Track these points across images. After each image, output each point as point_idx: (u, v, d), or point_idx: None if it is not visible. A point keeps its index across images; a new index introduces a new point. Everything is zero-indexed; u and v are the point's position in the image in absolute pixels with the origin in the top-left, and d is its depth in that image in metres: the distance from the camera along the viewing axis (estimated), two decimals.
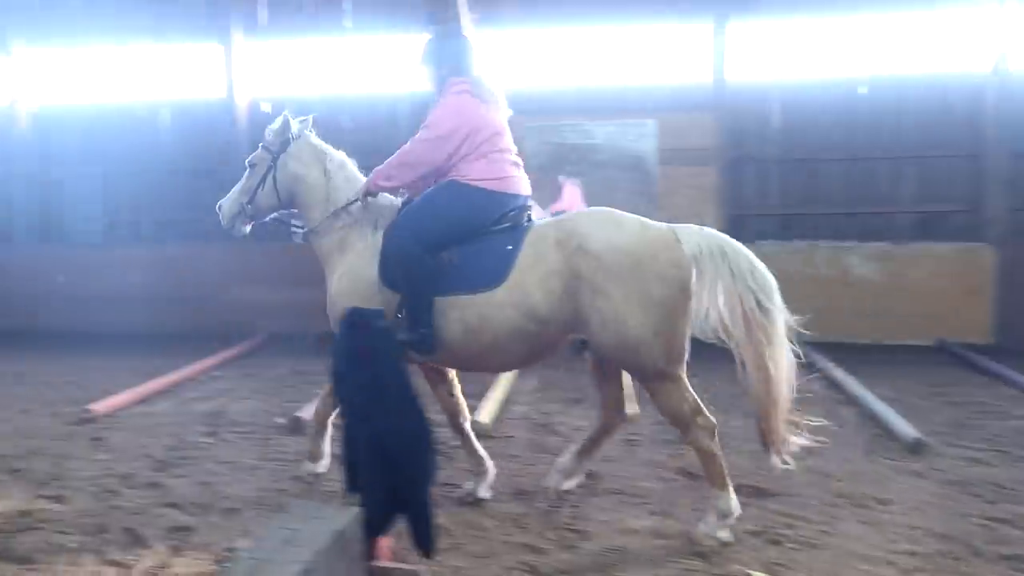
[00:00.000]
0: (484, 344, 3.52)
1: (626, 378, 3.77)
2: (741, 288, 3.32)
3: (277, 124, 4.11)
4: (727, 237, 3.45)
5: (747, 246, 3.47)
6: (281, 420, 5.44)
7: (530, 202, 3.87)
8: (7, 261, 9.56)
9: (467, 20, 8.50)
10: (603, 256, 3.35)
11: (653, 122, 8.28)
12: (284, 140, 4.11)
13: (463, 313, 3.51)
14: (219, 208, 4.26)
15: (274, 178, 4.10)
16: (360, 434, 2.86)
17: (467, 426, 4.06)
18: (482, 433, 4.99)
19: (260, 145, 4.21)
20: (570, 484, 3.92)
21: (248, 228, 4.30)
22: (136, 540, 3.51)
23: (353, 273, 3.84)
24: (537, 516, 3.73)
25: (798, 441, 3.43)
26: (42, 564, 3.29)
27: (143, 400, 6.12)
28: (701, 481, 4.15)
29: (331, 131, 9.14)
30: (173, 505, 3.92)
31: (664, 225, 3.49)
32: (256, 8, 9.21)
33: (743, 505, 3.49)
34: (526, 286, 3.44)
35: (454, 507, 3.79)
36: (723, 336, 3.40)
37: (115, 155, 9.40)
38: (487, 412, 5.28)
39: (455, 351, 3.61)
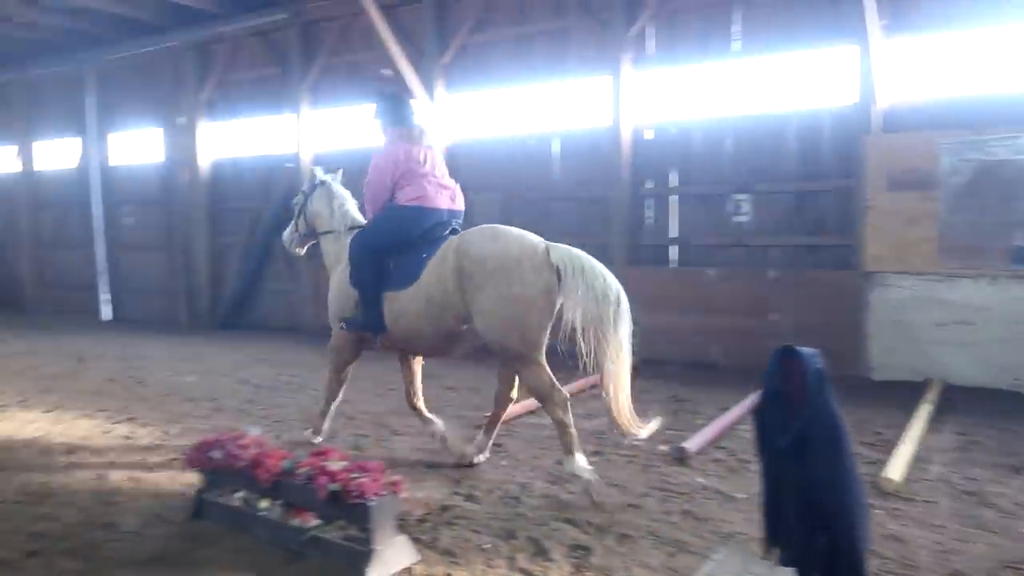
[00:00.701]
0: (407, 327, 4.73)
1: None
2: (590, 300, 4.21)
3: (308, 175, 5.83)
4: (591, 259, 4.35)
5: None
6: (664, 448, 5.36)
7: (456, 220, 4.95)
8: None
9: (875, 26, 7.77)
10: (479, 260, 4.37)
11: None
12: (312, 186, 5.71)
13: (393, 304, 4.75)
14: (283, 236, 6.04)
15: (304, 213, 5.72)
16: (787, 484, 2.59)
17: (420, 404, 5.36)
18: (893, 492, 4.37)
19: (300, 190, 5.87)
20: (481, 457, 4.99)
21: (302, 250, 5.98)
22: (540, 551, 3.65)
23: (339, 279, 5.23)
24: None
25: (641, 429, 4.38)
26: (462, 560, 3.57)
27: (532, 411, 6.52)
28: None
29: (713, 154, 9.07)
30: (570, 521, 4.02)
31: (538, 240, 4.45)
32: (645, 40, 9.45)
33: None
34: (429, 282, 4.58)
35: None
36: (579, 332, 4.25)
37: (512, 183, 10.32)
38: (896, 469, 4.62)
39: (393, 333, 4.83)
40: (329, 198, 5.56)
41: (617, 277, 4.41)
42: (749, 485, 4.41)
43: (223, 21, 12.09)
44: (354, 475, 3.53)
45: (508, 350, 4.38)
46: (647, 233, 9.47)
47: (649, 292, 8.35)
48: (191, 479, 4.71)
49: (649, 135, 9.49)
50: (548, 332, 4.38)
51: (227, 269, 13.01)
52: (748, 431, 4.85)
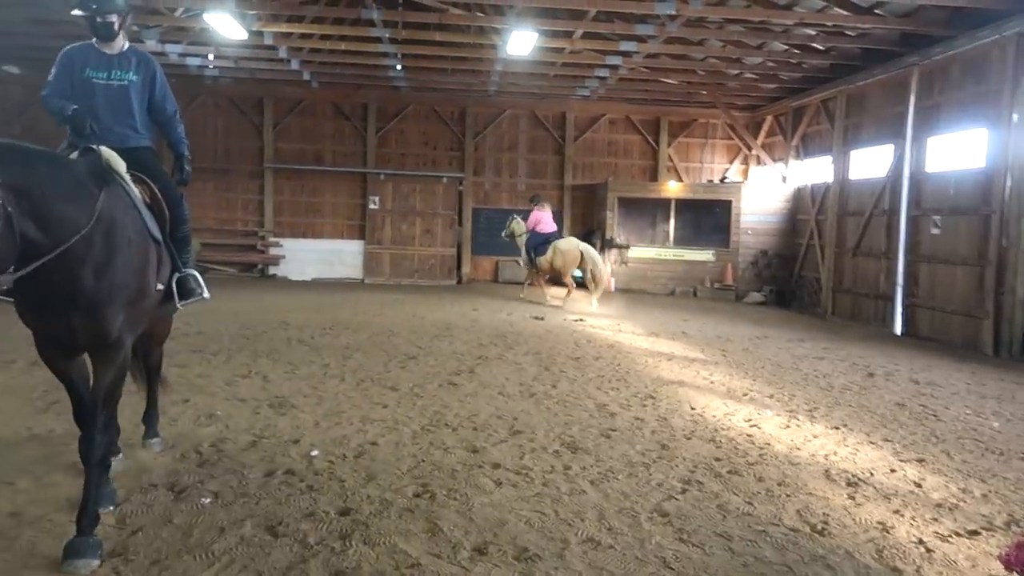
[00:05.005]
0: (544, 266, 15.16)
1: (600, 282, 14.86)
2: (592, 264, 14.68)
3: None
4: (591, 248, 15.15)
5: None
6: None
7: (554, 237, 15.28)
8: None
9: None
10: (558, 247, 14.90)
11: None
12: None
13: (538, 260, 15.15)
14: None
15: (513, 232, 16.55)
16: None
17: (547, 291, 15.66)
18: None
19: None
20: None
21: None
22: None
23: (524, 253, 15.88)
24: None
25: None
26: None
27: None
28: None
29: None
30: None
31: (578, 242, 15.12)
32: None
33: None
34: (550, 253, 14.95)
35: None
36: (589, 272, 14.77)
37: None
38: None
39: (539, 268, 15.29)
40: (520, 226, 15.75)
41: None
42: None
43: None
44: None
45: (561, 273, 14.93)
46: None
47: None
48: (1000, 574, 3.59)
49: None
50: (574, 270, 15.01)
51: None
52: None
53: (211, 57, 16.25)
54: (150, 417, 5.15)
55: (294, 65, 16.53)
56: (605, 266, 14.77)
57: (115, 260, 3.63)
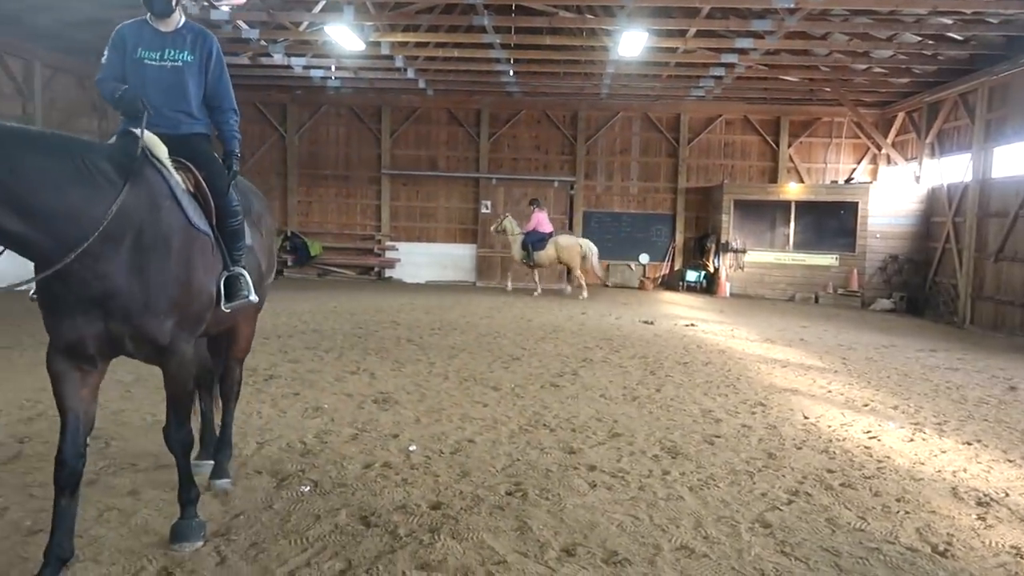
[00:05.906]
0: (540, 260, 16.67)
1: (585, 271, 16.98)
2: (589, 253, 16.67)
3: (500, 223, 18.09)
4: (591, 243, 16.95)
5: None
6: None
7: (550, 235, 16.76)
8: None
9: None
10: (561, 244, 16.64)
11: None
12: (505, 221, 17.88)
13: (536, 255, 16.61)
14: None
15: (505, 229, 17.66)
16: None
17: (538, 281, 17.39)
18: None
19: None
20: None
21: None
22: None
23: (517, 248, 17.05)
24: None
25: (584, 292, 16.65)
26: None
27: None
28: None
29: None
30: None
31: (575, 239, 17.25)
32: None
33: None
34: (549, 249, 16.57)
35: None
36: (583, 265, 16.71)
37: None
38: None
39: (536, 262, 16.75)
40: (512, 225, 16.98)
41: None
42: None
43: None
44: None
45: (568, 267, 16.96)
46: None
47: None
48: None
49: None
50: (578, 264, 16.68)
51: None
52: None
53: (333, 68, 16.96)
54: (220, 453, 4.49)
55: (410, 74, 16.99)
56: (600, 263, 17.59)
57: (151, 261, 3.30)
